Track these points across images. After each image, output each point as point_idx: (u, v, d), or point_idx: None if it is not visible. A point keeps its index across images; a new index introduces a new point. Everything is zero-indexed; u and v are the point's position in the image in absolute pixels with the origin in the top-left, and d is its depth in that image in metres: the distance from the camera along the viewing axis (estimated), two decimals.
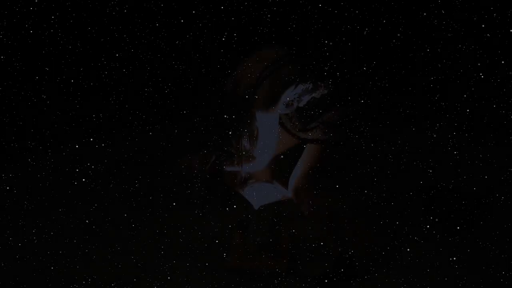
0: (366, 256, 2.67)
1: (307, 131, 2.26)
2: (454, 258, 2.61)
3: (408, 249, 2.72)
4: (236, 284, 2.46)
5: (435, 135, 4.33)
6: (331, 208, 2.36)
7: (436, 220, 3.01)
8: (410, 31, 4.62)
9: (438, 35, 4.63)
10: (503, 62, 4.41)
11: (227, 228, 2.89)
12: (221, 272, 2.56)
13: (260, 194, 2.45)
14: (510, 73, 4.43)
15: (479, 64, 4.58)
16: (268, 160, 2.22)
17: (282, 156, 2.51)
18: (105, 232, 2.97)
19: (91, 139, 4.43)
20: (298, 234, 2.79)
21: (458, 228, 2.92)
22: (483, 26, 4.47)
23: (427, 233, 2.88)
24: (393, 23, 4.57)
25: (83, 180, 3.67)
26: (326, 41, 4.58)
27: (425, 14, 4.56)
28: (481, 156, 3.90)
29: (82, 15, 4.62)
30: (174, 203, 3.25)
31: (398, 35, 4.54)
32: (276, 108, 2.08)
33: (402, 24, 4.58)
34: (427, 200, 3.28)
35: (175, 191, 3.30)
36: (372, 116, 4.33)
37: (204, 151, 2.28)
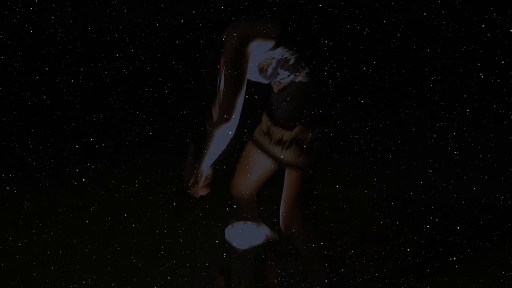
0: (366, 257, 2.67)
1: (284, 148, 1.94)
2: (454, 258, 2.61)
3: (408, 249, 2.72)
4: (236, 284, 2.46)
5: (435, 135, 4.33)
6: (324, 235, 2.05)
7: (436, 220, 3.01)
8: (410, 31, 4.62)
9: (438, 35, 4.63)
10: (503, 62, 4.41)
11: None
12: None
13: (243, 236, 2.28)
14: (510, 73, 4.43)
15: (479, 64, 4.58)
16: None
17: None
18: (105, 232, 2.97)
19: (91, 139, 4.43)
20: (286, 274, 2.67)
21: (458, 228, 2.92)
22: (483, 26, 4.47)
23: (427, 233, 2.88)
24: (393, 23, 4.57)
25: (83, 180, 3.67)
26: (326, 41, 4.58)
27: (425, 14, 4.57)
28: (481, 156, 3.90)
29: (83, 15, 4.62)
30: (174, 203, 3.25)
31: (398, 35, 4.54)
32: (245, 70, 1.62)
33: (402, 24, 4.58)
34: (427, 200, 3.28)
35: (175, 191, 3.30)
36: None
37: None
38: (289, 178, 1.95)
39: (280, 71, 1.82)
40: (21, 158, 4.07)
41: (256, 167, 2.13)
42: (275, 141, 1.97)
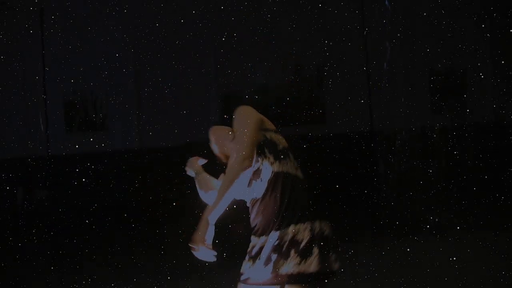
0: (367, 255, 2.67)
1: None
2: (454, 258, 2.61)
3: (408, 249, 2.72)
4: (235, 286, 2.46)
5: (435, 135, 4.33)
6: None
7: (436, 220, 3.01)
8: (410, 31, 4.62)
9: (438, 35, 4.63)
10: (503, 62, 4.41)
11: (227, 228, 2.89)
12: (221, 271, 2.55)
13: None
14: (510, 73, 4.43)
15: (479, 64, 4.58)
16: None
17: None
18: (105, 232, 2.98)
19: (91, 139, 4.43)
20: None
21: (458, 228, 2.92)
22: (483, 26, 4.47)
23: (427, 233, 2.88)
24: (393, 23, 4.58)
25: (83, 180, 3.67)
26: (326, 41, 4.58)
27: (425, 14, 4.57)
28: (481, 156, 3.90)
29: (82, 15, 4.63)
30: (174, 203, 3.25)
31: (398, 35, 4.54)
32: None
33: (402, 24, 4.58)
34: (427, 199, 3.28)
35: (175, 191, 3.30)
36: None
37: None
38: None
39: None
40: (21, 158, 4.07)
41: None
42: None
